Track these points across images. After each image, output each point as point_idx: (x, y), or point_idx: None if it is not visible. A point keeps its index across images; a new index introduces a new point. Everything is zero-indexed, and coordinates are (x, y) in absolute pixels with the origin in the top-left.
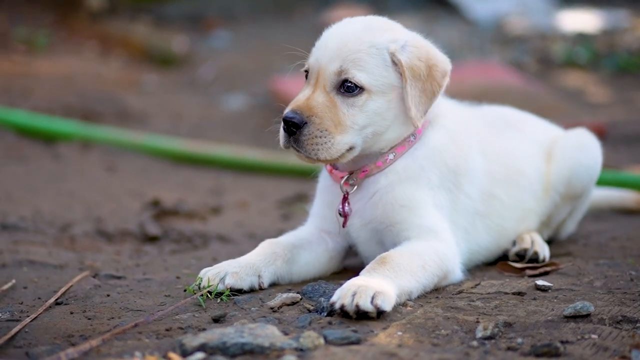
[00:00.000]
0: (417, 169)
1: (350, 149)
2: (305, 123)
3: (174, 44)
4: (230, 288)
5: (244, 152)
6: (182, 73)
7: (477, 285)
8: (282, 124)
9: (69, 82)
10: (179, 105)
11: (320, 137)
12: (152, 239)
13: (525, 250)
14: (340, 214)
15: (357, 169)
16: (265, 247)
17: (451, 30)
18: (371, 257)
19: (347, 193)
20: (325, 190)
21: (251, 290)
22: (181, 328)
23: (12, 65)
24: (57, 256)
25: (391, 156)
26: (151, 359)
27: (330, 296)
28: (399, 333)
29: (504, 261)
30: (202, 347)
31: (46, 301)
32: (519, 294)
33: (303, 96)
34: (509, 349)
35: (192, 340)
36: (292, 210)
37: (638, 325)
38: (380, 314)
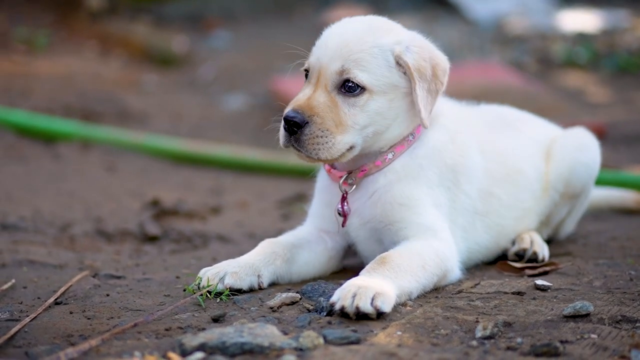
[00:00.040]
0: (416, 168)
1: (351, 148)
2: (307, 123)
3: (174, 44)
4: (229, 288)
5: (243, 152)
6: (182, 73)
7: (476, 284)
8: (283, 123)
9: (68, 82)
10: (179, 105)
11: (322, 136)
12: (152, 239)
13: (525, 250)
14: (339, 214)
15: (356, 168)
16: (265, 247)
17: (451, 30)
18: (370, 256)
19: (346, 192)
20: (324, 190)
21: (251, 290)
22: (181, 328)
23: (12, 65)
24: (57, 256)
25: (390, 155)
26: (151, 359)
27: (330, 296)
28: (399, 333)
29: (503, 261)
30: (201, 347)
31: (46, 301)
32: (519, 293)
33: (304, 95)
34: (508, 348)
35: (191, 340)
36: (291, 210)
37: (637, 325)
38: (380, 315)
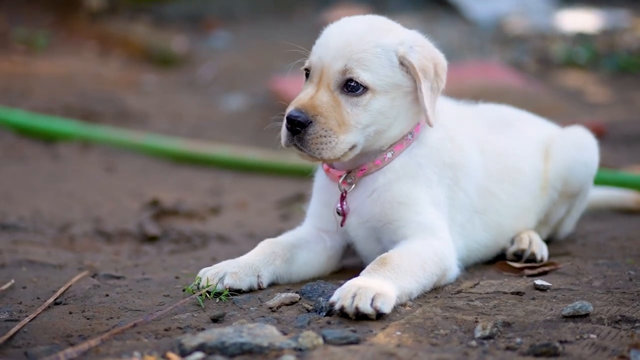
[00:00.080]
0: (415, 167)
1: (353, 147)
2: (310, 122)
3: (173, 44)
4: (229, 288)
5: (243, 152)
6: (182, 73)
7: (476, 285)
8: (286, 122)
9: (68, 82)
10: (179, 105)
11: (325, 136)
12: (151, 239)
13: (523, 250)
14: (338, 213)
15: (355, 167)
16: (264, 247)
17: (451, 30)
18: (369, 255)
19: (345, 192)
20: (322, 190)
21: (250, 290)
22: (180, 328)
23: (11, 66)
24: (56, 256)
25: (389, 154)
26: (150, 359)
27: (329, 296)
28: (398, 333)
29: (502, 261)
30: (200, 347)
31: (45, 301)
32: (518, 293)
33: (306, 95)
34: (507, 348)
35: (190, 340)
36: (291, 210)
37: (637, 325)
38: (379, 316)
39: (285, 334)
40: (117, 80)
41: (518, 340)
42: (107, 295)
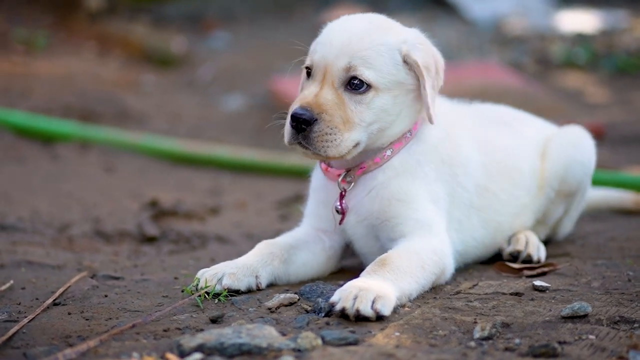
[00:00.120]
0: (414, 164)
1: (356, 145)
2: (316, 120)
3: (172, 44)
4: (227, 289)
5: (242, 152)
6: (181, 73)
7: (474, 285)
8: (290, 120)
9: (67, 83)
10: (178, 105)
11: (330, 134)
12: (150, 240)
13: (519, 251)
14: (337, 211)
15: (355, 165)
16: (262, 248)
17: (450, 31)
18: (368, 254)
19: (345, 190)
20: (320, 189)
21: (249, 291)
22: (179, 329)
23: (11, 66)
24: (55, 257)
25: (389, 152)
26: None
27: (328, 297)
28: (397, 334)
29: (501, 261)
30: (199, 348)
31: (44, 302)
32: (517, 294)
33: (310, 93)
34: (506, 349)
35: (189, 340)
36: (290, 211)
37: (635, 325)
38: (379, 318)
39: (284, 334)
40: (117, 81)
41: (517, 341)
42: (106, 296)
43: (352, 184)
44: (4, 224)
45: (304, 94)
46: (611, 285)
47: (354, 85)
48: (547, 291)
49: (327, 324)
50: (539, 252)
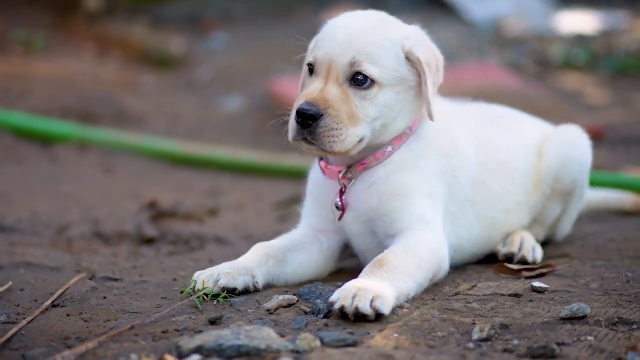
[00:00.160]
0: (413, 159)
1: (361, 140)
2: (322, 115)
3: (171, 45)
4: (224, 288)
5: (241, 153)
6: (180, 74)
7: (473, 286)
8: (295, 116)
9: (66, 84)
10: (177, 106)
11: (336, 129)
12: (149, 241)
13: (513, 254)
14: (337, 207)
15: (355, 162)
16: (256, 250)
17: (449, 32)
18: (366, 252)
19: (345, 187)
20: (317, 188)
21: (246, 291)
22: (177, 330)
23: (10, 67)
24: (54, 258)
25: (389, 148)
26: None
27: (327, 298)
28: (395, 335)
29: (500, 262)
30: (198, 349)
31: (42, 303)
32: (515, 295)
33: (315, 88)
34: (505, 350)
35: (188, 342)
36: (289, 212)
37: (634, 327)
38: (378, 317)
39: (282, 336)
40: (115, 82)
41: (515, 342)
42: (104, 297)
43: (353, 180)
44: (2, 225)
45: (309, 90)
46: (610, 287)
47: (358, 80)
48: (546, 292)
49: (326, 325)
50: (534, 253)
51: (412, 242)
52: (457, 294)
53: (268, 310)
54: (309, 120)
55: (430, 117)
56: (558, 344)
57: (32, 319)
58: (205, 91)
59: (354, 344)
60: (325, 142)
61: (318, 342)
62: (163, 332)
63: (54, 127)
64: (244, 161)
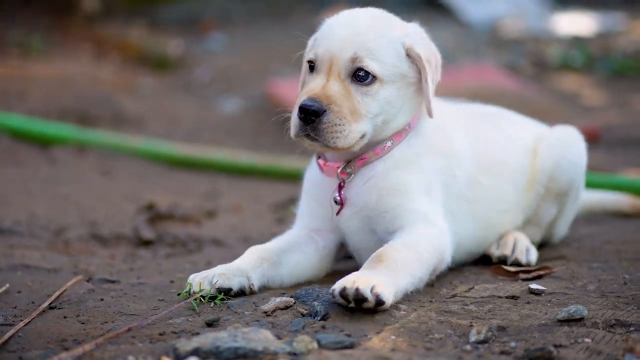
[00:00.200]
0: (412, 156)
1: (363, 136)
2: (324, 111)
3: (169, 47)
4: (219, 289)
5: (239, 155)
6: (178, 76)
7: (470, 289)
8: (298, 112)
9: (64, 86)
10: (175, 108)
11: (339, 124)
12: (147, 243)
13: (506, 257)
14: (336, 202)
15: (355, 157)
16: (250, 254)
17: (446, 33)
18: (363, 250)
19: (344, 182)
20: (315, 186)
21: (242, 292)
22: (174, 332)
23: (7, 69)
24: (51, 260)
25: (389, 144)
26: None
27: (324, 300)
28: (393, 337)
29: (497, 265)
30: (195, 352)
31: (40, 305)
32: (513, 297)
33: (317, 85)
34: (502, 353)
35: (185, 344)
36: (286, 214)
37: (631, 329)
38: (378, 305)
39: (279, 338)
40: (113, 84)
41: (513, 344)
42: (101, 300)
43: (352, 175)
44: (0, 228)
45: (311, 87)
46: (607, 289)
47: (359, 77)
48: (543, 294)
49: (323, 327)
50: (527, 255)
51: (414, 237)
52: (454, 296)
53: (265, 312)
54: (312, 116)
55: (430, 113)
56: (555, 346)
57: (30, 321)
58: (203, 93)
59: (351, 346)
60: (329, 137)
61: (315, 344)
62: (160, 334)
63: (52, 129)
64: (242, 163)
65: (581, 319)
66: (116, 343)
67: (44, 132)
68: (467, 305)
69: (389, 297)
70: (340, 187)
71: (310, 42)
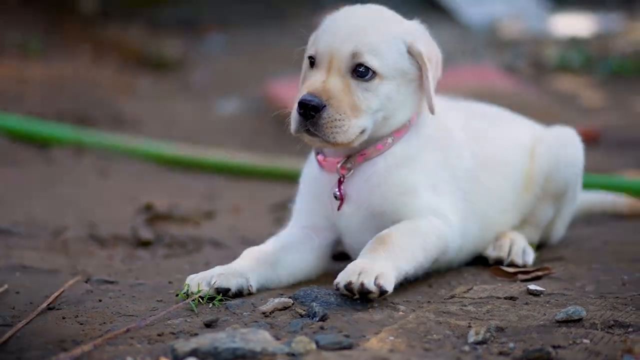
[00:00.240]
0: (415, 152)
1: (363, 132)
2: (324, 106)
3: (168, 48)
4: (218, 289)
5: (237, 156)
6: (176, 77)
7: (469, 289)
8: (297, 108)
9: (62, 87)
10: (173, 109)
11: (339, 120)
12: (145, 244)
13: (502, 259)
14: (336, 197)
15: (355, 153)
16: (248, 255)
17: (444, 34)
18: (359, 249)
19: (343, 177)
20: (313, 182)
21: (240, 293)
22: (173, 333)
23: (5, 70)
24: (50, 261)
25: (390, 140)
26: None
27: (323, 301)
28: (391, 338)
29: (496, 265)
30: (193, 352)
31: (38, 306)
32: (511, 298)
33: (317, 80)
34: (500, 353)
35: (183, 345)
36: (284, 215)
37: (630, 330)
38: (381, 294)
39: (278, 339)
40: (111, 85)
41: (511, 345)
42: (100, 300)
43: (352, 170)
44: None
45: (311, 82)
46: (606, 290)
47: (360, 72)
48: (542, 295)
49: (322, 328)
50: (524, 256)
51: (420, 223)
52: (453, 296)
53: (264, 313)
54: (312, 111)
55: (432, 110)
56: (554, 347)
57: (28, 322)
58: (201, 94)
59: (349, 347)
60: (328, 133)
61: (314, 345)
62: (159, 335)
63: (50, 130)
64: (240, 164)
65: (580, 319)
66: (114, 344)
67: (42, 133)
68: (465, 306)
69: (391, 286)
70: (340, 183)
71: (311, 38)
